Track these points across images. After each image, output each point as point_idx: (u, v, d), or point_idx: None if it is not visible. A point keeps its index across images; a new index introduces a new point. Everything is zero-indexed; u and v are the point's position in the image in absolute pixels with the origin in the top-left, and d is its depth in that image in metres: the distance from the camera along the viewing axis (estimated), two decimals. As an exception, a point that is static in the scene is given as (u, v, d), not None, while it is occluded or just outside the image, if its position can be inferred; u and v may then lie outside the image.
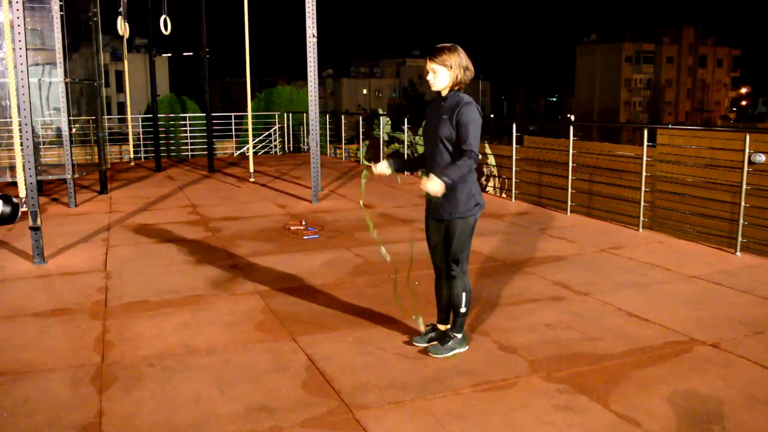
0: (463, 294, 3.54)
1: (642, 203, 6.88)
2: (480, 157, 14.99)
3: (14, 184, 6.20)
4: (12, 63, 5.41)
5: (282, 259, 5.72)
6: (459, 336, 3.63)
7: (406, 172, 12.08)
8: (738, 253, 5.82)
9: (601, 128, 54.60)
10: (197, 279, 5.15)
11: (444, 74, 3.42)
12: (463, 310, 3.56)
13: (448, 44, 3.45)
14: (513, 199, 8.88)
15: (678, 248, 6.12)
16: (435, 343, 3.68)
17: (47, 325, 4.14)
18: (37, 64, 8.61)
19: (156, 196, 9.35)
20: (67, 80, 8.33)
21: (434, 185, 3.21)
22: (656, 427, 2.83)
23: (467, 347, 3.69)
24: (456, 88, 3.45)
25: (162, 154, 14.17)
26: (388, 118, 21.85)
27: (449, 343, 3.62)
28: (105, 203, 8.86)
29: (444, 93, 3.47)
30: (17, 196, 5.68)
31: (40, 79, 8.75)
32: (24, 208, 5.67)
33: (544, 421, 2.89)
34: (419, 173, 3.46)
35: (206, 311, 4.39)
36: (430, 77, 3.49)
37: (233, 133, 18.72)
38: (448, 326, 3.67)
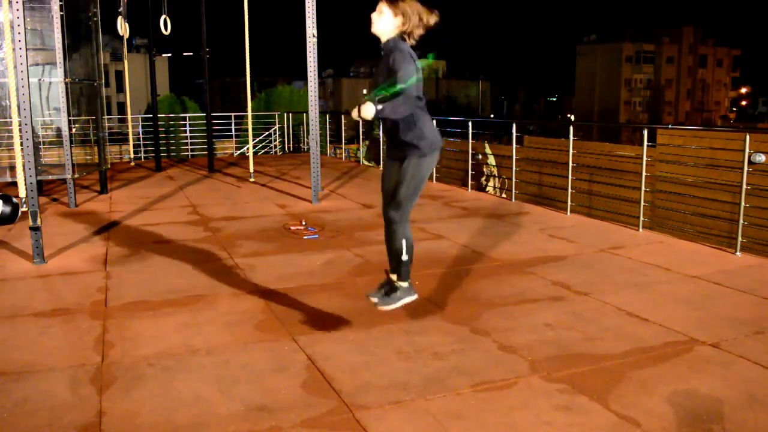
0: (403, 241, 3.52)
1: (642, 203, 6.87)
2: (480, 156, 15.01)
3: (14, 184, 6.20)
4: (12, 63, 5.41)
5: (282, 259, 5.72)
6: (405, 284, 3.64)
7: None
8: (738, 253, 5.82)
9: (601, 128, 54.57)
10: (197, 279, 5.15)
11: (387, 18, 3.39)
12: (404, 258, 3.55)
13: None
14: (513, 199, 8.88)
15: (678, 248, 6.12)
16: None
17: (47, 325, 4.14)
18: (37, 64, 8.60)
19: (156, 196, 9.35)
20: (67, 80, 8.33)
21: (366, 108, 3.18)
22: (656, 427, 2.83)
23: (415, 295, 3.70)
24: (400, 35, 3.40)
25: (162, 154, 14.16)
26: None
27: (396, 293, 3.63)
28: (105, 203, 8.86)
29: (383, 40, 3.44)
30: (17, 196, 5.68)
31: (40, 79, 8.75)
32: (24, 208, 5.66)
33: (544, 421, 2.89)
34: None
35: (206, 311, 4.39)
36: (374, 15, 3.44)
37: (233, 133, 18.72)
38: (402, 279, 3.66)
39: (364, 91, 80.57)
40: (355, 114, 3.26)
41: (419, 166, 3.45)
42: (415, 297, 3.70)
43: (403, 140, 3.44)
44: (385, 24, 3.42)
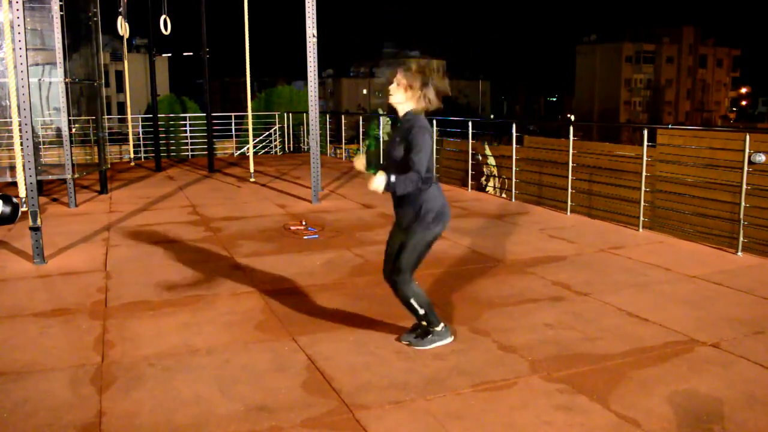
0: (412, 300, 3.57)
1: (642, 203, 6.87)
2: (480, 157, 15.01)
3: (14, 184, 6.20)
4: (12, 63, 5.41)
5: (282, 259, 5.72)
6: (439, 328, 3.68)
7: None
8: (739, 253, 5.82)
9: (601, 128, 54.55)
10: (197, 279, 5.15)
11: (401, 94, 3.44)
12: (421, 312, 3.61)
13: (424, 66, 3.45)
14: (513, 199, 8.88)
15: (678, 248, 6.12)
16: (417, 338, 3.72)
17: (47, 325, 4.14)
18: (37, 64, 8.60)
19: (156, 196, 9.35)
20: (67, 80, 8.33)
21: (377, 180, 3.22)
22: (656, 427, 2.83)
23: (451, 338, 3.73)
24: (417, 110, 3.44)
25: (162, 154, 14.16)
26: (388, 118, 21.86)
27: (429, 337, 3.67)
28: (105, 203, 8.86)
29: (401, 112, 3.48)
30: (17, 196, 5.68)
31: (40, 79, 8.75)
32: (24, 208, 5.66)
33: (544, 421, 2.89)
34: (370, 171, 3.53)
35: (206, 311, 4.39)
36: (391, 87, 3.49)
37: (233, 133, 18.72)
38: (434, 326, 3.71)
39: (364, 91, 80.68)
40: (370, 184, 3.29)
41: (423, 237, 3.49)
42: (450, 340, 3.72)
43: (408, 210, 3.48)
44: (399, 98, 3.47)
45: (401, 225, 3.57)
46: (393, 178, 3.23)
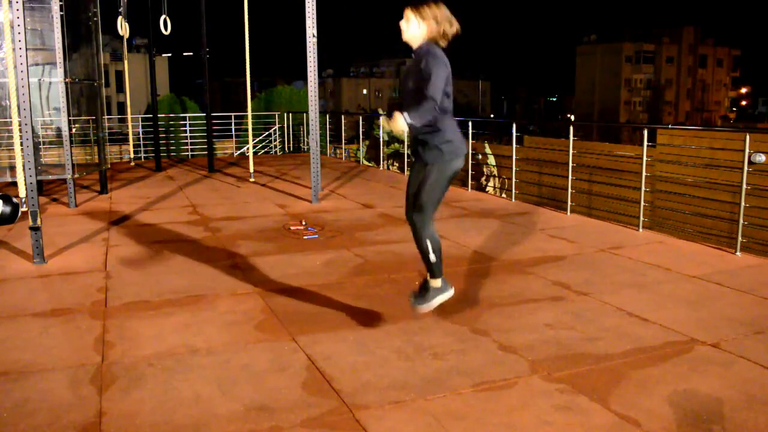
0: (428, 242, 3.54)
1: (642, 203, 6.88)
2: (480, 156, 15.02)
3: (14, 184, 6.20)
4: (12, 63, 5.41)
5: (282, 259, 5.72)
6: (438, 282, 3.66)
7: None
8: (738, 253, 5.82)
9: (601, 128, 54.55)
10: (197, 279, 5.15)
11: (415, 25, 3.43)
12: (432, 257, 3.57)
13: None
14: (513, 199, 8.88)
15: (678, 248, 6.12)
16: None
17: (47, 325, 4.14)
18: (37, 64, 8.60)
19: (156, 196, 9.35)
20: (67, 80, 8.33)
21: (398, 121, 3.21)
22: (656, 427, 2.83)
23: (452, 290, 3.71)
24: (431, 40, 3.44)
25: (162, 154, 14.16)
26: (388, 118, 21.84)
27: (430, 294, 3.66)
28: (105, 203, 8.86)
29: (415, 46, 3.48)
30: (17, 196, 5.68)
31: (40, 79, 8.75)
32: (24, 208, 5.66)
33: (544, 421, 2.89)
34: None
35: (206, 311, 4.39)
36: (402, 24, 3.49)
37: (233, 133, 18.72)
38: (435, 277, 3.69)
39: (365, 91, 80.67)
40: (386, 125, 3.29)
41: (442, 171, 3.47)
42: (451, 292, 3.71)
43: (426, 144, 3.47)
44: (413, 31, 3.46)
45: (419, 161, 3.54)
46: (407, 114, 3.20)
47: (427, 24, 3.43)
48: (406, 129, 3.25)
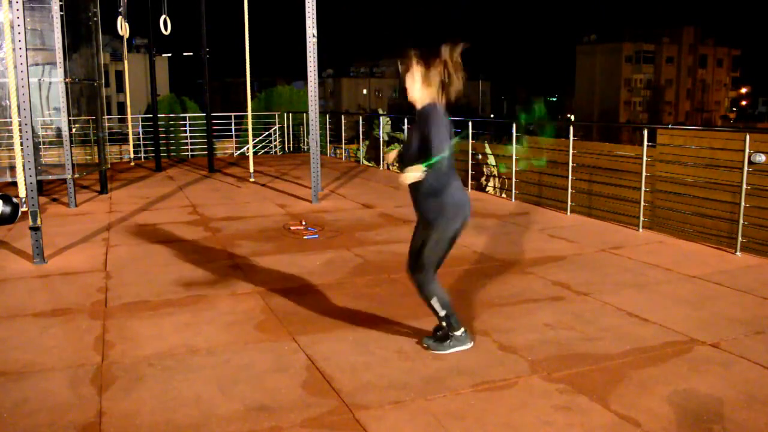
0: (434, 300, 3.55)
1: (642, 203, 6.87)
2: (480, 156, 15.01)
3: (14, 184, 6.20)
4: (12, 63, 5.41)
5: (282, 259, 5.72)
6: (458, 333, 3.64)
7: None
8: (738, 253, 5.82)
9: (601, 128, 54.53)
10: (197, 279, 5.15)
11: (419, 88, 3.40)
12: (442, 313, 3.58)
13: (424, 53, 3.41)
14: (513, 199, 8.88)
15: (678, 248, 6.12)
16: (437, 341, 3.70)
17: (47, 325, 4.14)
18: (37, 64, 8.60)
19: (156, 196, 9.35)
20: (67, 80, 8.33)
21: (408, 173, 3.21)
22: (656, 427, 2.83)
23: (470, 344, 3.68)
24: (433, 101, 3.41)
25: (162, 154, 14.16)
26: (388, 118, 21.88)
27: (448, 342, 3.64)
28: (105, 203, 8.86)
29: (418, 106, 3.45)
30: (17, 196, 5.68)
31: (40, 79, 8.75)
32: (24, 208, 5.66)
33: (544, 421, 2.89)
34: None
35: (206, 311, 4.39)
36: (407, 82, 3.45)
37: (233, 133, 18.72)
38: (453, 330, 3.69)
39: (364, 91, 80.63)
40: (402, 180, 3.26)
41: (444, 231, 3.46)
42: (469, 346, 3.67)
43: (428, 204, 3.46)
44: (417, 93, 3.42)
45: (423, 220, 3.54)
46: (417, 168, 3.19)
47: (433, 86, 3.37)
48: (419, 175, 3.21)
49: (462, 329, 3.66)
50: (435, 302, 3.56)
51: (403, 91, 3.52)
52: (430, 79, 3.38)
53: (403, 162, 3.47)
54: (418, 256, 3.53)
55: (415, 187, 3.39)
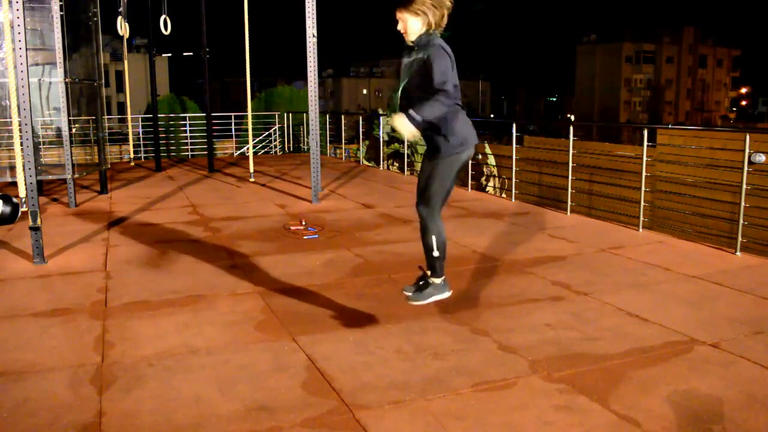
0: (433, 237, 3.51)
1: (642, 203, 6.87)
2: (480, 156, 15.01)
3: (14, 184, 6.20)
4: (12, 63, 5.41)
5: (282, 259, 5.72)
6: (438, 281, 3.63)
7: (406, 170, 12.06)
8: (738, 253, 5.82)
9: (601, 128, 54.55)
10: (197, 279, 5.15)
11: (414, 22, 3.38)
12: (435, 253, 3.54)
13: None
14: (513, 199, 8.88)
15: (678, 248, 6.12)
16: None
17: (47, 325, 4.14)
18: (37, 64, 8.60)
19: (156, 196, 9.35)
20: (67, 80, 8.33)
21: (399, 120, 3.19)
22: (656, 427, 2.83)
23: (449, 293, 3.69)
24: (429, 31, 3.39)
25: (162, 154, 14.16)
26: (387, 119, 21.88)
27: (427, 290, 3.64)
28: (105, 203, 8.86)
29: (412, 39, 3.42)
30: (17, 196, 5.68)
31: (40, 79, 8.74)
32: (24, 208, 5.66)
33: (544, 421, 2.89)
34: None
35: (206, 311, 4.39)
36: (400, 27, 3.44)
37: (233, 133, 18.71)
38: (436, 275, 3.67)
39: (365, 91, 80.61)
40: (397, 127, 3.24)
41: (450, 163, 3.44)
42: (447, 294, 3.69)
43: (434, 136, 3.44)
44: (412, 29, 3.40)
45: (427, 152, 3.53)
46: (414, 112, 3.17)
47: (422, 18, 3.36)
48: (413, 130, 3.21)
49: (443, 277, 3.63)
50: (434, 240, 3.51)
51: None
52: (416, 12, 3.35)
53: (405, 99, 3.43)
54: (425, 189, 3.50)
55: (420, 124, 3.33)
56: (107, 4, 11.11)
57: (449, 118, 3.38)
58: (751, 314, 4.23)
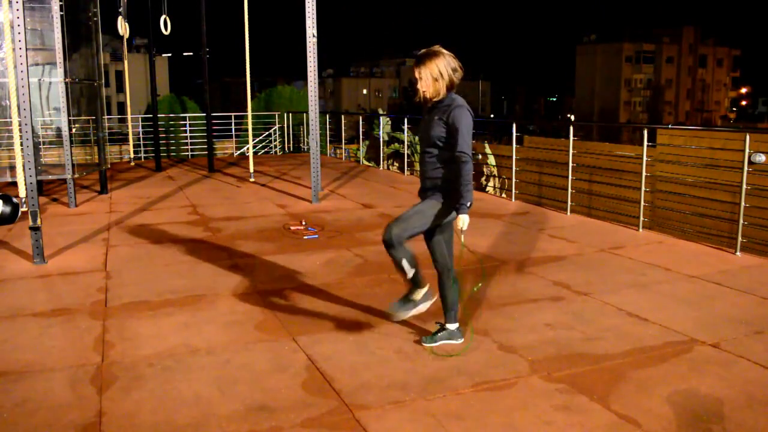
0: (404, 260, 3.48)
1: (642, 203, 6.88)
2: (480, 156, 15.02)
3: (14, 184, 6.20)
4: (12, 63, 5.41)
5: (282, 259, 5.72)
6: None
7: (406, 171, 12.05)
8: (738, 253, 5.82)
9: (601, 128, 54.54)
10: (197, 279, 5.15)
11: (432, 81, 3.45)
12: (410, 274, 3.52)
13: (432, 50, 3.47)
14: (513, 199, 8.88)
15: (678, 248, 6.12)
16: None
17: (47, 325, 4.14)
18: (37, 64, 8.60)
19: (156, 196, 9.35)
20: (67, 80, 8.33)
21: (463, 219, 3.38)
22: (656, 427, 2.83)
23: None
24: (447, 91, 3.49)
25: (162, 154, 14.16)
26: (388, 118, 21.87)
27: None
28: (105, 203, 8.86)
29: (437, 98, 3.50)
30: (17, 196, 5.68)
31: (40, 79, 8.75)
32: (24, 208, 5.67)
33: (544, 421, 2.89)
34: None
35: (206, 311, 4.39)
36: (420, 85, 3.51)
37: (233, 133, 18.71)
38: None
39: (365, 91, 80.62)
40: (461, 225, 3.42)
41: (440, 210, 3.50)
42: (430, 303, 3.67)
43: (437, 186, 3.52)
44: (434, 86, 3.47)
45: (434, 193, 3.56)
46: (464, 202, 3.36)
47: (442, 79, 3.44)
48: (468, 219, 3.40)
49: (426, 288, 3.62)
50: (405, 264, 3.50)
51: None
52: (436, 71, 3.43)
53: (421, 144, 3.58)
54: (409, 219, 3.49)
55: (427, 173, 3.53)
56: (107, 4, 11.13)
57: (456, 178, 3.45)
58: (751, 314, 4.23)
